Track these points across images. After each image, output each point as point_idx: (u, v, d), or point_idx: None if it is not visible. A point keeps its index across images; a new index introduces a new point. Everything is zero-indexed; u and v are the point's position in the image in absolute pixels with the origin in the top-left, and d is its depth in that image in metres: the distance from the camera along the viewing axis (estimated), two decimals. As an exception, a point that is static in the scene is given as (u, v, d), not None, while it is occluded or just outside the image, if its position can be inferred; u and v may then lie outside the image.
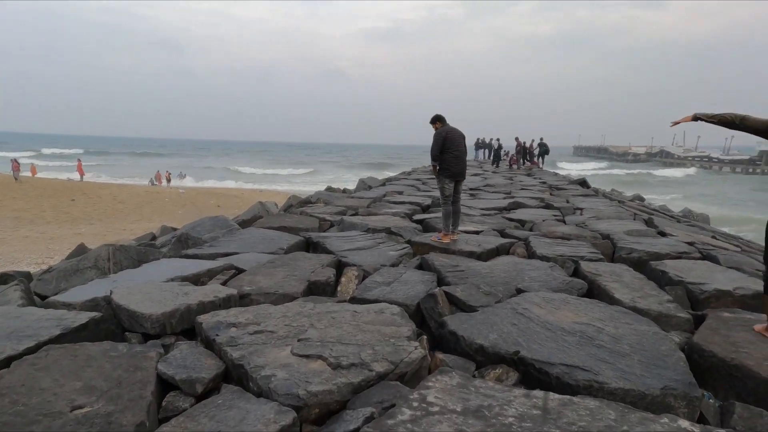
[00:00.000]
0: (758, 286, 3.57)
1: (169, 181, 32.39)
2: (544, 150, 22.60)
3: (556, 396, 2.10)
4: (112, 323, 3.13)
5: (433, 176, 5.66)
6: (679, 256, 4.71)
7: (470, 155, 30.10)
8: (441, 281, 4.08)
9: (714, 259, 4.64)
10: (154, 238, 8.18)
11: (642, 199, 17.99)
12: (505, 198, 10.01)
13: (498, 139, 24.42)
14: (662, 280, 4.00)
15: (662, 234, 5.99)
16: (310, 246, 5.60)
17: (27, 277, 4.63)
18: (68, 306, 3.21)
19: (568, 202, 9.51)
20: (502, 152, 23.81)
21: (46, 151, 69.37)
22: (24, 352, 2.47)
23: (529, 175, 17.86)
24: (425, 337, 2.99)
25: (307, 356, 2.51)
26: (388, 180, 15.66)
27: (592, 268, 4.22)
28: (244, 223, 6.99)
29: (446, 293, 3.55)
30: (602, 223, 6.71)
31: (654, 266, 4.28)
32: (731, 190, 32.70)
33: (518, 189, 11.96)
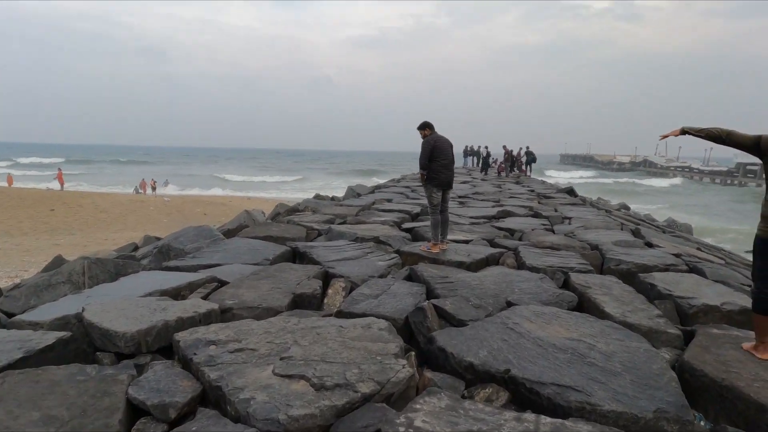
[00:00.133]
0: (744, 301, 3.58)
1: (154, 189, 31.87)
2: (531, 158, 22.82)
3: (548, 420, 2.02)
4: (83, 343, 2.97)
5: (422, 184, 5.61)
6: (666, 268, 4.70)
7: (459, 163, 30.26)
8: (430, 293, 4.00)
9: (700, 272, 4.65)
10: (136, 248, 7.96)
11: (627, 208, 18.21)
12: (494, 206, 10.00)
13: (486, 147, 24.57)
14: (651, 294, 3.98)
15: (649, 245, 6.01)
16: (296, 256, 5.48)
17: (-6, 293, 4.42)
18: (35, 325, 3.02)
19: (556, 210, 9.53)
20: (491, 160, 23.95)
21: (23, 160, 67.19)
22: (-23, 380, 2.29)
23: (517, 183, 17.97)
24: (413, 353, 2.90)
25: (289, 376, 2.40)
26: (377, 187, 15.59)
27: (582, 280, 4.18)
28: (229, 233, 6.84)
29: (435, 306, 3.46)
30: (590, 233, 6.72)
31: (643, 279, 4.26)
32: (711, 200, 33.36)
33: (507, 197, 11.99)
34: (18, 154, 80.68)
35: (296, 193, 33.41)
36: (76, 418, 1.99)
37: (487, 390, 2.47)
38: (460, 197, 11.74)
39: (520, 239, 6.57)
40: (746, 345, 2.78)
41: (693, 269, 4.82)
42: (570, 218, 8.44)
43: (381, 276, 4.54)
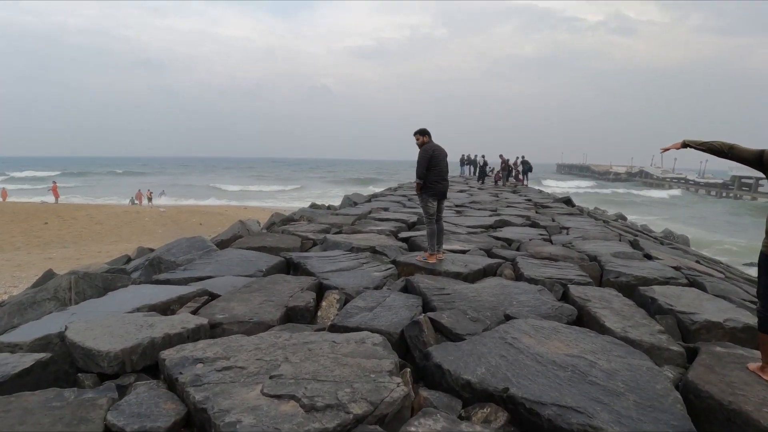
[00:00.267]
0: (747, 318, 3.50)
1: (150, 200, 31.70)
2: (527, 167, 22.88)
3: (550, 444, 1.92)
4: (66, 364, 2.85)
5: (416, 194, 5.55)
6: (666, 281, 4.63)
7: (455, 172, 30.29)
8: (426, 305, 3.90)
9: (701, 286, 4.57)
10: (129, 260, 7.83)
11: (624, 218, 18.20)
12: (491, 215, 9.94)
13: (483, 156, 24.60)
14: (652, 308, 3.89)
15: (648, 257, 5.94)
16: (291, 267, 5.38)
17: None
18: (14, 347, 2.88)
19: (553, 220, 9.47)
20: (488, 169, 23.98)
21: (18, 174, 66.59)
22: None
23: (514, 192, 17.94)
24: (409, 369, 2.80)
25: (278, 397, 2.29)
26: (374, 196, 15.52)
27: (581, 292, 4.09)
28: (223, 244, 6.73)
29: (432, 320, 3.37)
30: (589, 244, 6.65)
31: (643, 292, 4.17)
32: (707, 212, 33.39)
33: (504, 206, 11.93)
34: (13, 169, 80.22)
35: (293, 202, 33.31)
36: (49, 449, 1.87)
37: (485, 410, 2.36)
38: (456, 206, 11.68)
39: (517, 249, 6.49)
40: (752, 365, 2.69)
41: (693, 283, 4.74)
42: (568, 228, 8.37)
43: (376, 287, 4.45)
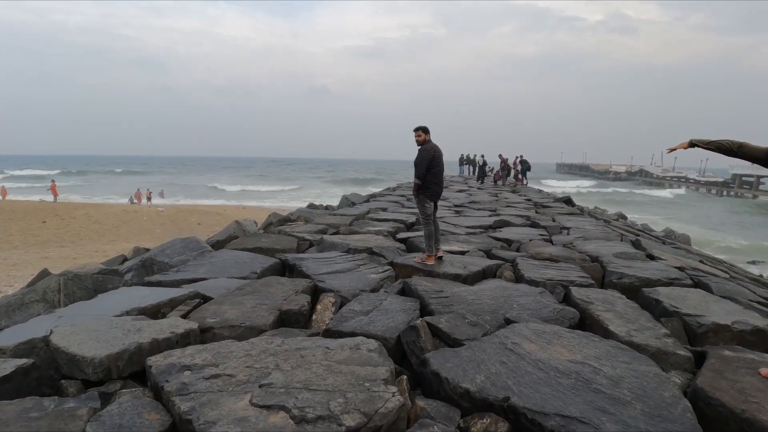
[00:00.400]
0: (756, 320, 3.40)
1: (149, 199, 31.59)
2: (525, 167, 22.79)
3: (553, 458, 1.81)
4: (50, 369, 2.74)
5: (413, 195, 5.43)
6: (670, 282, 4.52)
7: (455, 171, 30.18)
8: (424, 309, 3.80)
9: (706, 287, 4.47)
10: (125, 260, 7.73)
11: (624, 218, 18.09)
12: (490, 215, 9.83)
13: (483, 156, 24.49)
14: (656, 310, 3.78)
15: (651, 257, 5.83)
16: (286, 269, 5.27)
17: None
18: (-3, 352, 2.79)
19: (554, 220, 9.37)
20: (487, 168, 23.87)
21: (18, 172, 66.46)
22: None
23: (514, 191, 17.84)
24: (405, 377, 2.68)
25: (267, 407, 2.19)
26: (372, 196, 15.41)
27: (583, 294, 3.99)
28: (218, 245, 6.62)
29: (429, 324, 3.26)
30: (590, 244, 6.54)
31: (647, 294, 4.06)
32: (708, 211, 33.24)
33: (504, 206, 11.83)
34: (13, 167, 80.00)
35: (292, 202, 33.20)
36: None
37: (484, 420, 2.25)
38: (456, 206, 11.58)
39: (517, 250, 6.39)
40: (764, 370, 2.59)
41: (698, 284, 4.64)
42: (568, 228, 8.27)
43: (373, 290, 4.34)
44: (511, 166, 22.96)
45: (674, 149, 3.00)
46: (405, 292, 4.30)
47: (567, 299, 4.16)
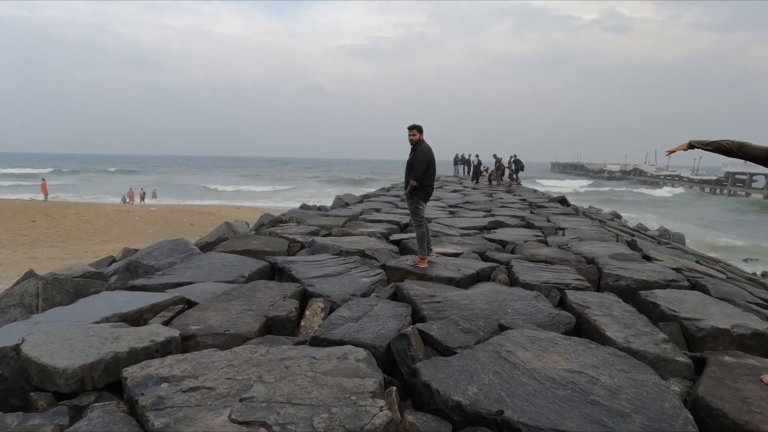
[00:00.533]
0: (755, 323, 3.32)
1: (143, 198, 31.27)
2: (519, 166, 22.78)
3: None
4: (21, 380, 2.60)
5: (406, 197, 5.32)
6: (667, 284, 4.43)
7: (449, 171, 30.08)
8: (416, 315, 3.68)
9: (703, 289, 4.38)
10: (113, 261, 7.56)
11: (619, 217, 18.10)
12: (485, 216, 9.74)
13: (477, 155, 24.42)
14: (654, 314, 3.69)
15: (647, 258, 5.75)
16: (275, 272, 5.14)
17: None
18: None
19: (549, 221, 9.29)
20: (482, 168, 23.80)
21: (10, 170, 65.36)
22: None
23: (508, 191, 17.78)
24: (395, 388, 2.56)
25: (247, 423, 2.06)
26: (366, 196, 15.28)
27: (579, 298, 3.89)
28: (207, 246, 6.48)
29: (421, 332, 3.15)
30: (585, 245, 6.46)
31: (644, 297, 3.97)
32: (702, 210, 33.39)
33: (498, 206, 11.74)
34: (4, 165, 78.96)
35: (286, 202, 32.98)
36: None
37: (477, 435, 2.14)
38: (450, 207, 11.47)
39: (512, 252, 6.29)
40: (766, 377, 2.50)
41: (695, 285, 4.55)
42: (563, 229, 8.19)
43: (364, 294, 4.23)
44: (506, 165, 22.95)
45: (673, 151, 2.92)
46: (397, 296, 4.18)
47: (562, 303, 4.07)
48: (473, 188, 18.75)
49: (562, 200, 14.07)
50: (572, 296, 3.97)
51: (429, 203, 5.83)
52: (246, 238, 6.93)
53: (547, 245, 6.63)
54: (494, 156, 22.33)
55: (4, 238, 16.28)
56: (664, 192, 47.68)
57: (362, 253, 5.78)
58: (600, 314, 3.52)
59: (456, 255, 5.85)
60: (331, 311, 3.82)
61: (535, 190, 20.90)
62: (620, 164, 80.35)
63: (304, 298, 4.16)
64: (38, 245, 15.50)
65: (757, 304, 4.05)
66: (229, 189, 46.76)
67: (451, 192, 16.09)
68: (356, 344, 2.95)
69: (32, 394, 2.47)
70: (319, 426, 2.02)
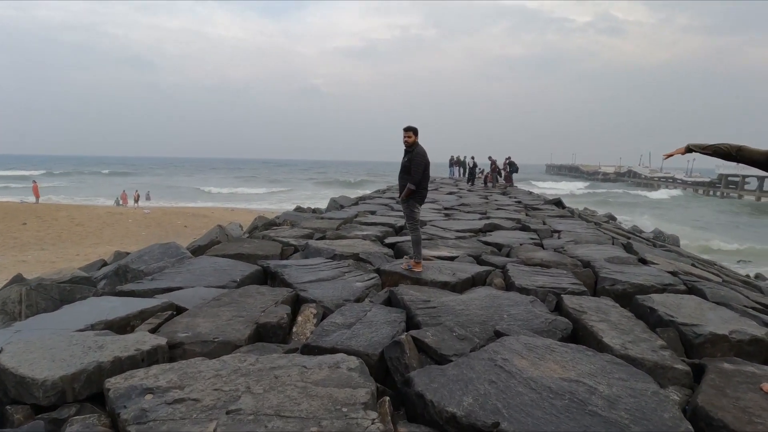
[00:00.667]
0: (754, 329, 3.28)
1: (137, 201, 31.00)
2: (513, 168, 22.80)
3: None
4: (-1, 392, 2.50)
5: (401, 200, 5.24)
6: (664, 288, 4.39)
7: (444, 173, 30.08)
8: (410, 320, 3.61)
9: (700, 293, 4.35)
10: (104, 264, 7.43)
11: (614, 219, 18.12)
12: (480, 218, 9.69)
13: (473, 157, 24.42)
14: (651, 319, 3.64)
15: (643, 261, 5.72)
16: (268, 276, 5.05)
17: None
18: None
19: (544, 223, 9.25)
20: (477, 170, 23.79)
21: (3, 172, 64.57)
22: None
23: (504, 194, 17.76)
24: (388, 398, 2.49)
25: (233, 438, 1.98)
26: (361, 198, 15.20)
27: (576, 303, 3.83)
28: (199, 250, 6.37)
29: (415, 339, 3.08)
30: (581, 248, 6.42)
31: (641, 301, 3.92)
32: (696, 211, 33.57)
33: (494, 209, 11.71)
34: (-1, 167, 78.10)
35: (282, 204, 32.80)
36: None
37: (472, 448, 2.07)
38: (446, 209, 11.42)
39: (507, 255, 6.23)
40: (766, 386, 2.45)
41: (692, 289, 4.52)
42: (559, 232, 8.15)
43: (357, 300, 4.15)
44: (501, 167, 22.95)
45: (671, 155, 2.88)
46: (391, 301, 4.11)
47: (559, 308, 4.01)
48: (468, 190, 18.73)
49: (558, 202, 14.07)
50: (569, 301, 3.91)
51: (424, 205, 5.76)
52: (239, 241, 6.83)
53: (543, 248, 6.58)
54: (490, 158, 22.33)
55: (-6, 241, 16.05)
56: (661, 194, 47.85)
57: (356, 257, 5.70)
58: (597, 320, 3.47)
59: (451, 258, 5.79)
60: (324, 317, 3.75)
61: (531, 192, 20.90)
62: (615, 166, 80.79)
63: (297, 303, 4.08)
64: (28, 248, 15.29)
65: (754, 309, 4.01)
66: (223, 191, 46.48)
67: (447, 194, 16.05)
68: (349, 352, 2.88)
69: (8, 407, 2.37)
70: (308, 440, 1.94)
